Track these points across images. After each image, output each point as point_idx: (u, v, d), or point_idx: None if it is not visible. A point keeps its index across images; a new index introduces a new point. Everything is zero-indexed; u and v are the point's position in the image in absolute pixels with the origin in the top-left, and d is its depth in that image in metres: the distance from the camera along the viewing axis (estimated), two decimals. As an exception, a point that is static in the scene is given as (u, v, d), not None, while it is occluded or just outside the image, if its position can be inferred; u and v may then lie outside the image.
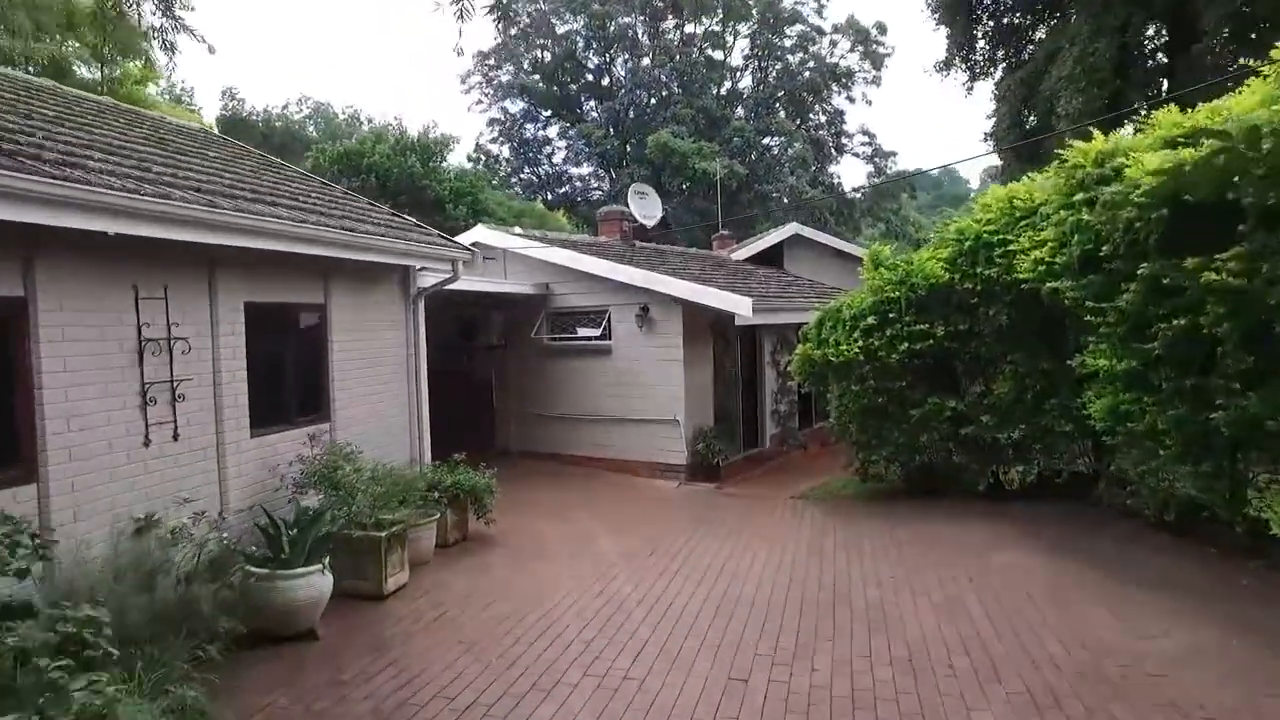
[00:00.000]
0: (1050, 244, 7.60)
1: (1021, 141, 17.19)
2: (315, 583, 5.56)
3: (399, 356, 8.79)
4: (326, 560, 5.84)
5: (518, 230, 13.71)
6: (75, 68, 15.36)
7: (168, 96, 48.65)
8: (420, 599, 6.56)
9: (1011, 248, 8.35)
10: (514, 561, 7.71)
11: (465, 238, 13.34)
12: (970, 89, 19.11)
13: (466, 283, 11.44)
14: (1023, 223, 8.41)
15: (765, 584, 6.79)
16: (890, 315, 9.16)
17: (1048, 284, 7.65)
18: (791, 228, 18.97)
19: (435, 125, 50.67)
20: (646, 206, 16.02)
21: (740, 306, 10.49)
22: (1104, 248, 6.74)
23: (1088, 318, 7.07)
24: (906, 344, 9.02)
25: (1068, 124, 13.54)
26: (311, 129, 43.98)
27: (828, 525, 8.96)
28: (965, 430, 9.20)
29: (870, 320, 9.19)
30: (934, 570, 6.99)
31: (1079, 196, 7.11)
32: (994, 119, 18.76)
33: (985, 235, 8.77)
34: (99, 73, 16.13)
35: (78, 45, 15.00)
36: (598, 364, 12.28)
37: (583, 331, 12.37)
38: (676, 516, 9.67)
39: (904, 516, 9.07)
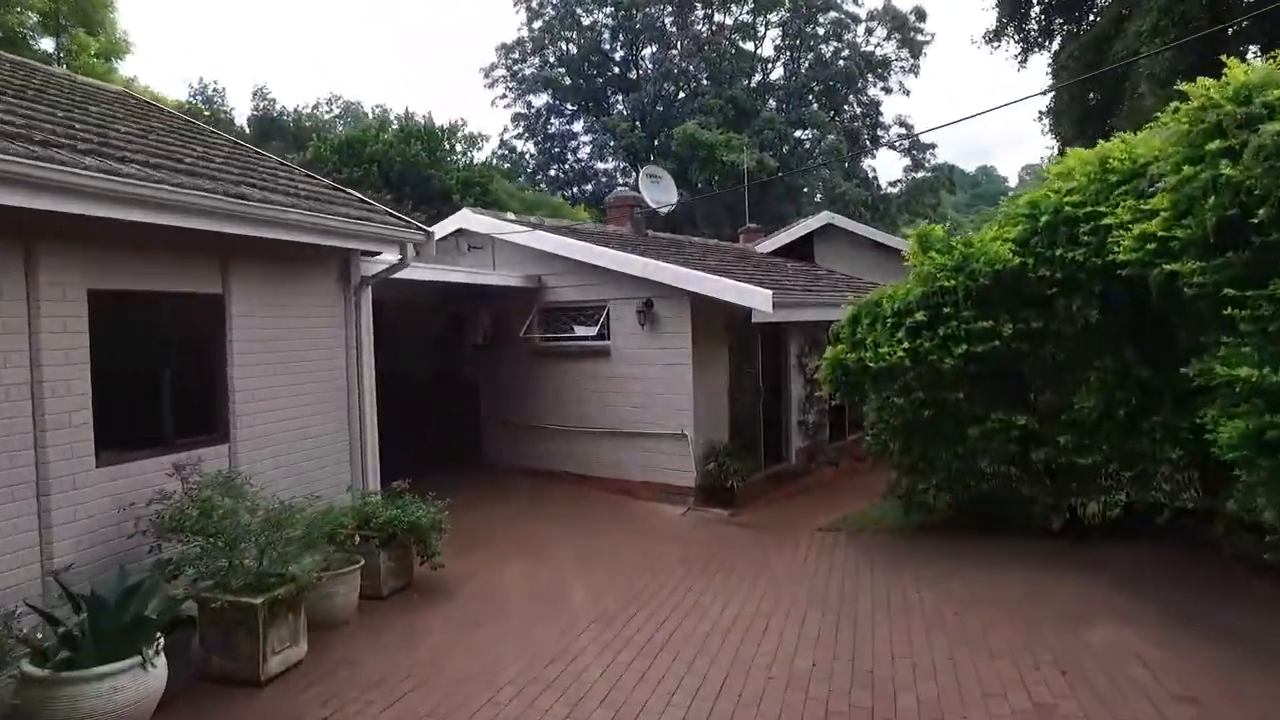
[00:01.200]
0: (1165, 214, 5.62)
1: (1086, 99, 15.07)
2: (124, 685, 3.85)
3: (334, 360, 7.10)
4: (157, 646, 4.14)
5: (510, 216, 12.01)
6: (30, 39, 14.06)
7: (200, 97, 47.90)
8: (310, 689, 4.81)
9: (1105, 222, 6.37)
10: (457, 624, 5.95)
11: (448, 223, 11.69)
12: (1023, 61, 17.02)
13: (443, 273, 9.76)
14: (1120, 190, 6.43)
15: (779, 672, 4.95)
16: (944, 310, 7.23)
17: (1160, 267, 5.69)
18: (823, 217, 17.03)
19: (464, 123, 49.44)
20: (660, 191, 14.21)
21: (759, 300, 8.64)
22: (1260, 211, 4.77)
23: (1226, 310, 5.11)
24: (964, 346, 7.08)
25: (1152, 85, 11.48)
26: (340, 128, 42.96)
27: (864, 573, 7.07)
28: (1037, 453, 7.26)
29: (919, 316, 7.28)
30: (1008, 653, 5.09)
31: (1214, 145, 5.13)
32: (1052, 95, 16.63)
33: (1067, 208, 6.81)
34: (57, 44, 14.83)
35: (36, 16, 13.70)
36: (594, 368, 10.51)
37: (577, 330, 10.60)
38: (676, 557, 7.84)
39: (960, 562, 7.15)
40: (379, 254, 7.37)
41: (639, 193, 14.10)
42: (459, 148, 20.70)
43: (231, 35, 70.35)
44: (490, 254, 11.47)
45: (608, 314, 10.32)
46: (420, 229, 7.30)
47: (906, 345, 7.24)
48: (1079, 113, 14.73)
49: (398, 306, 11.50)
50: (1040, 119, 17.15)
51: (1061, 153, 17.59)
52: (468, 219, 11.46)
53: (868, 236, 16.72)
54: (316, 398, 6.87)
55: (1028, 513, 7.47)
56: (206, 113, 44.96)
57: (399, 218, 7.33)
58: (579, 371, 10.68)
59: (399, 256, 7.20)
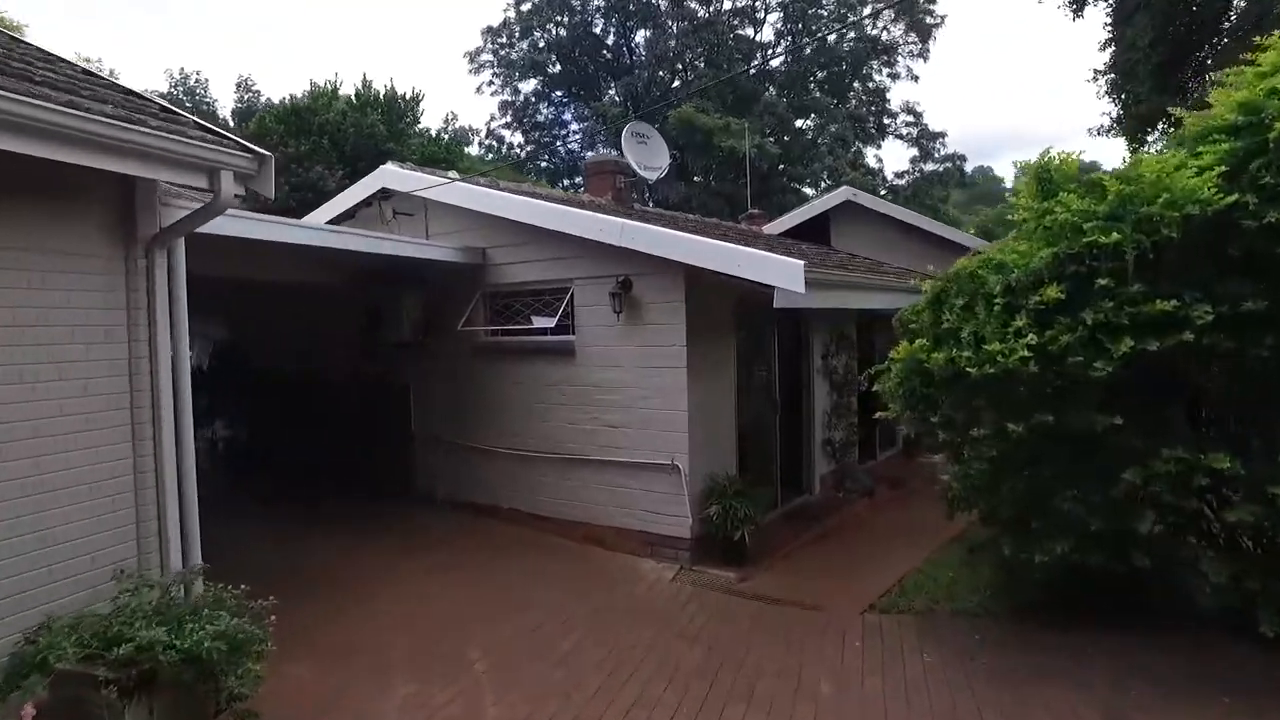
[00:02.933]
0: None
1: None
2: None
3: (98, 360, 4.24)
4: None
5: (454, 174, 9.17)
6: None
7: (181, 88, 45.07)
8: None
9: None
10: None
11: (368, 183, 8.85)
12: (1078, 11, 14.19)
13: (323, 236, 6.88)
14: None
15: None
16: (1097, 283, 4.37)
17: None
18: (843, 193, 14.20)
19: (455, 118, 46.52)
20: (648, 154, 11.34)
21: (785, 275, 5.76)
22: None
23: None
24: (1128, 341, 4.24)
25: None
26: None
27: (965, 702, 4.25)
28: (1235, 514, 4.43)
29: (1051, 293, 4.41)
30: None
31: None
32: (1112, 48, 13.82)
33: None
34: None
35: None
36: (553, 372, 7.65)
37: (535, 321, 7.73)
38: (661, 662, 4.99)
39: (1117, 684, 4.32)
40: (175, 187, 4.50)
41: (623, 157, 11.22)
42: (423, 120, 18.13)
43: (222, 31, 67.43)
44: (423, 222, 8.61)
45: (572, 299, 7.47)
46: (247, 150, 4.41)
47: (1031, 339, 4.39)
48: (1157, 63, 12.01)
49: (302, 291, 8.62)
50: (1096, 79, 14.38)
51: (1119, 121, 14.80)
52: (391, 176, 8.59)
53: (894, 216, 13.87)
54: (55, 417, 4.01)
55: (1220, 604, 4.65)
56: (188, 104, 42.25)
57: (206, 128, 4.44)
58: (534, 377, 7.82)
59: (209, 192, 4.32)
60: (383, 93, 18.62)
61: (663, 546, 6.97)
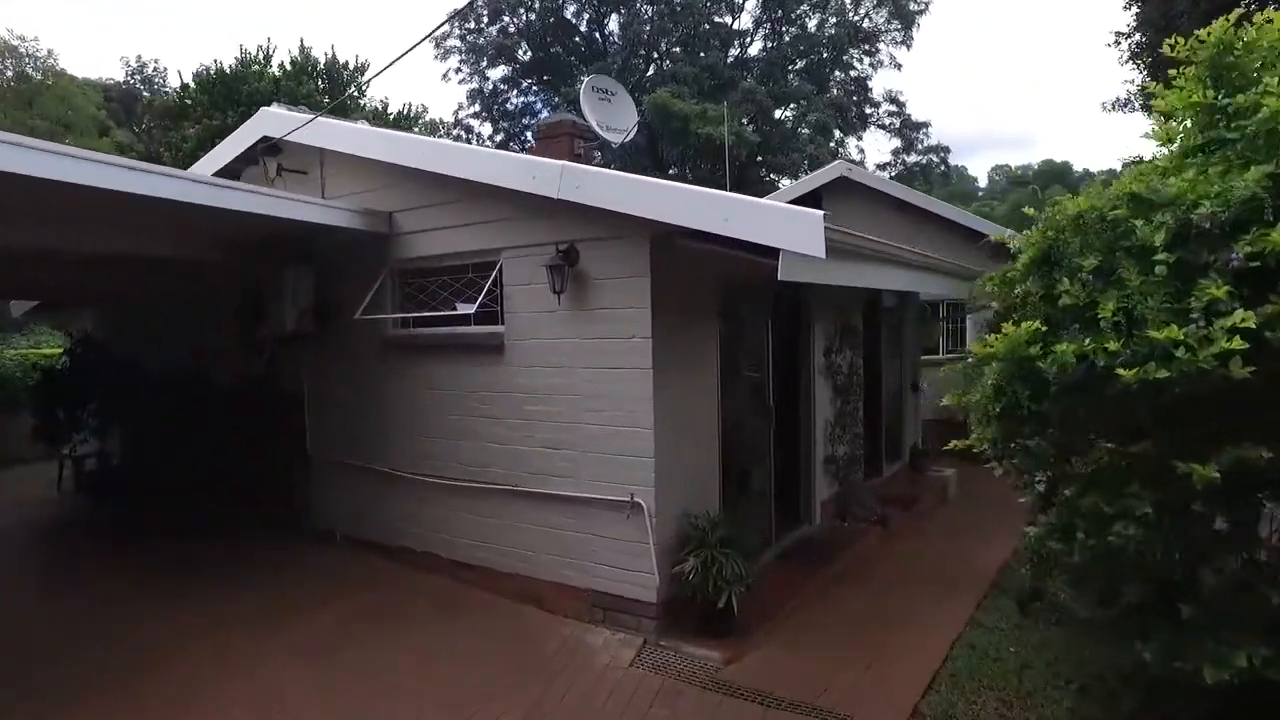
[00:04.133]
0: None
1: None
2: None
3: None
4: None
5: (363, 125, 7.14)
6: None
7: (138, 77, 42.33)
8: None
9: None
10: None
11: (246, 132, 6.81)
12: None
13: (156, 184, 4.84)
14: None
15: None
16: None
17: None
18: (837, 168, 12.34)
19: (425, 110, 44.12)
20: (612, 113, 9.37)
21: (800, 233, 3.75)
22: None
23: None
24: None
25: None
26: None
27: None
28: None
29: (1277, 238, 2.51)
30: None
31: None
32: (1139, 3, 12.03)
33: None
34: None
35: None
36: (477, 374, 5.66)
37: (459, 307, 5.73)
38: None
39: None
40: None
41: (582, 118, 9.22)
42: (369, 91, 16.07)
43: (184, 21, 64.28)
44: (319, 180, 6.58)
45: (500, 277, 5.48)
46: None
47: (1241, 319, 2.47)
48: (1205, 10, 10.29)
49: (173, 270, 6.57)
50: (1117, 43, 12.58)
51: (1145, 90, 13.00)
52: (272, 120, 6.53)
53: (893, 195, 12.00)
54: None
55: None
56: (146, 94, 39.59)
57: None
58: (454, 380, 5.82)
59: None
60: (322, 61, 16.45)
61: (620, 611, 5.02)
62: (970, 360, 3.11)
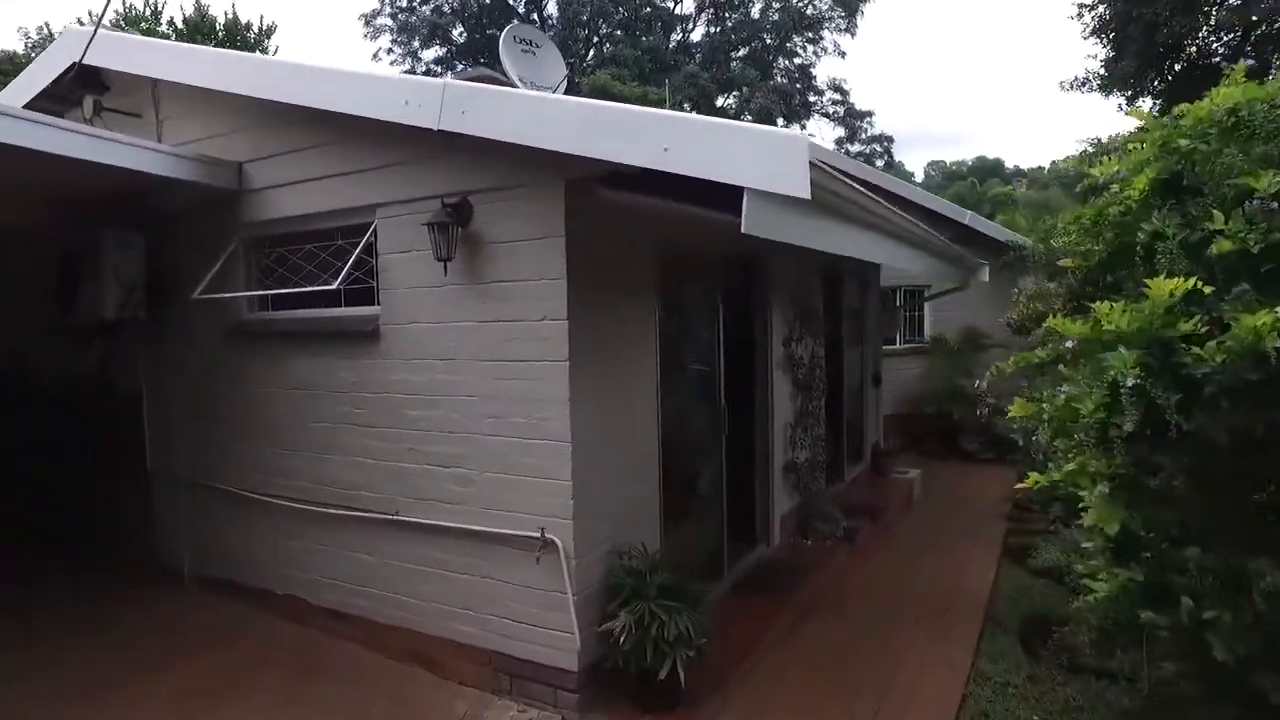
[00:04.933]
0: None
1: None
2: None
3: None
4: None
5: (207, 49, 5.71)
6: None
7: (39, 50, 39.33)
8: None
9: None
10: None
11: (53, 51, 5.30)
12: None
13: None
14: None
15: None
16: None
17: None
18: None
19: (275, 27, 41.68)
20: (536, 67, 8.02)
21: (774, 165, 2.59)
22: None
23: None
24: None
25: None
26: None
27: None
28: None
29: None
30: None
31: None
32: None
33: None
34: None
35: None
36: (346, 369, 4.34)
37: (321, 281, 4.38)
38: None
39: None
40: None
41: (503, 73, 7.88)
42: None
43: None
44: (154, 122, 5.13)
45: (374, 242, 4.17)
46: None
47: None
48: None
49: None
50: (1080, 15, 11.66)
51: (1111, 63, 12.20)
52: (79, 38, 5.03)
53: (862, 178, 10.93)
54: None
55: None
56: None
57: None
58: (319, 376, 4.48)
59: None
60: (221, 20, 14.61)
61: (531, 680, 3.78)
62: (1069, 345, 1.96)
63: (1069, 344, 1.88)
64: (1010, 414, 2.13)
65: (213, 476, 5.02)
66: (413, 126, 3.57)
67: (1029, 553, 6.20)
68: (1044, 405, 1.93)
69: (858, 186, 3.45)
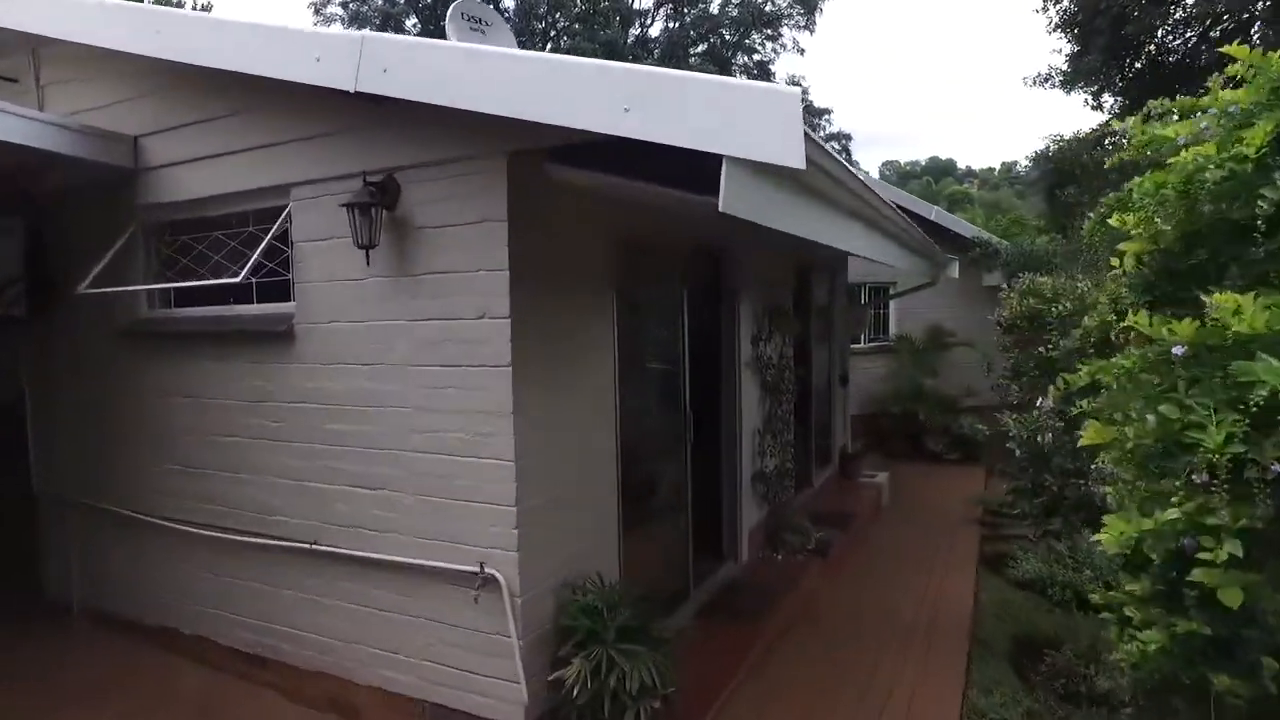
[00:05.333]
0: None
1: None
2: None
3: None
4: None
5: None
6: None
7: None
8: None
9: None
10: None
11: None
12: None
13: None
14: None
15: None
16: None
17: None
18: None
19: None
20: (482, 43, 7.43)
21: (759, 128, 2.13)
22: None
23: None
24: None
25: None
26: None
27: None
28: None
29: None
30: None
31: None
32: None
33: None
34: None
35: None
36: (257, 377, 3.76)
37: (230, 275, 3.78)
38: None
39: None
40: None
41: (450, 53, 7.28)
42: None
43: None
44: (32, 85, 4.45)
45: (289, 227, 3.60)
46: None
47: None
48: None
49: None
50: (1045, 8, 11.45)
51: (1076, 56, 11.99)
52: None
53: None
54: None
55: None
56: None
57: None
58: (227, 384, 3.87)
59: None
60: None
61: (472, 734, 3.26)
62: (1181, 351, 1.49)
63: (1178, 350, 1.43)
64: (1082, 441, 1.68)
65: (107, 498, 4.37)
66: (328, 90, 3.01)
67: (1007, 562, 5.88)
68: (1126, 430, 1.49)
69: (846, 164, 3.00)
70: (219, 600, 3.99)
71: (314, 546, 3.57)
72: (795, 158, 2.04)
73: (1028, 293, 4.01)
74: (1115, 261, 2.03)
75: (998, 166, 65.20)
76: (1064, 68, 11.73)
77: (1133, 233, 1.63)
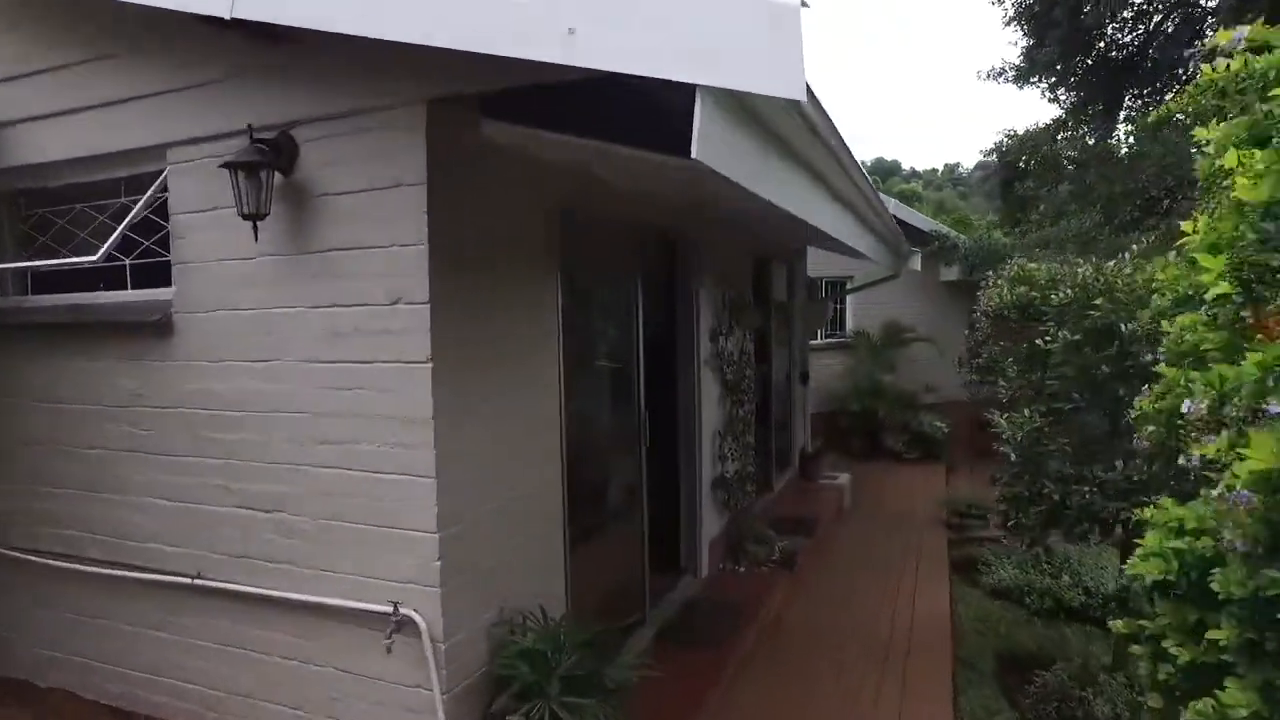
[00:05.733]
0: None
1: None
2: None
3: None
4: None
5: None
6: None
7: None
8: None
9: None
10: None
11: None
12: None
13: None
14: None
15: None
16: None
17: None
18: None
19: None
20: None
21: (747, 48, 1.66)
22: None
23: None
24: None
25: None
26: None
27: None
28: None
29: None
30: None
31: None
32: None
33: None
34: None
35: None
36: (127, 375, 3.14)
37: (97, 254, 3.14)
38: None
39: None
40: None
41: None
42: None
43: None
44: None
45: (164, 197, 2.98)
46: None
47: None
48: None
49: None
50: (1001, 1, 11.33)
51: (1033, 49, 11.83)
52: None
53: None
54: None
55: None
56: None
57: None
58: (93, 384, 3.23)
59: None
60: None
61: (388, 807, 2.70)
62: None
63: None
64: (1143, 440, 1.25)
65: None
66: (205, 24, 2.43)
67: (978, 568, 5.57)
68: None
69: (838, 130, 2.53)
70: (83, 647, 3.33)
71: (196, 581, 2.96)
72: (793, 85, 1.54)
73: (1018, 280, 3.63)
74: (1188, 228, 1.61)
75: (940, 168, 66.50)
76: (1018, 62, 11.64)
77: (1267, 169, 1.20)
